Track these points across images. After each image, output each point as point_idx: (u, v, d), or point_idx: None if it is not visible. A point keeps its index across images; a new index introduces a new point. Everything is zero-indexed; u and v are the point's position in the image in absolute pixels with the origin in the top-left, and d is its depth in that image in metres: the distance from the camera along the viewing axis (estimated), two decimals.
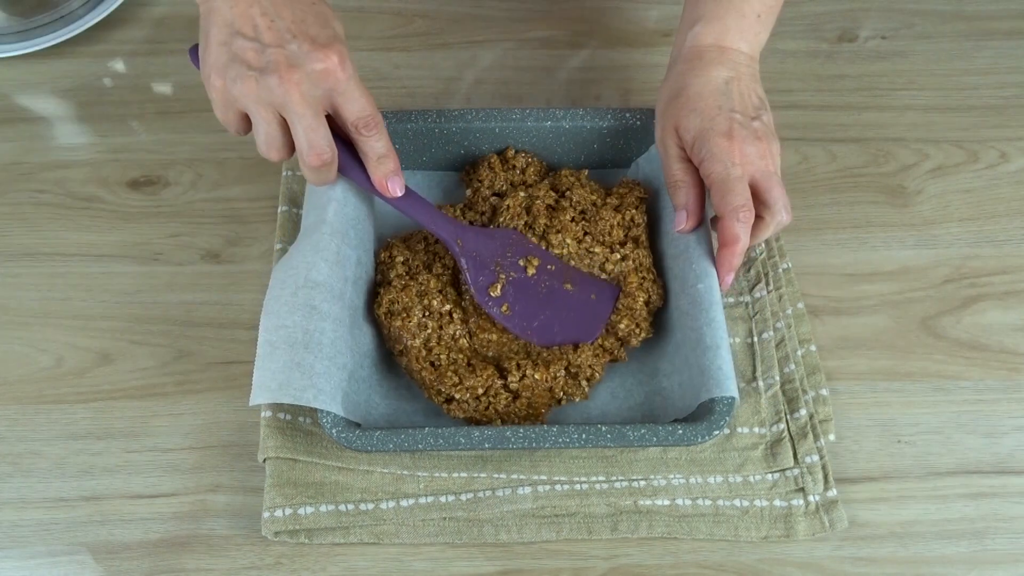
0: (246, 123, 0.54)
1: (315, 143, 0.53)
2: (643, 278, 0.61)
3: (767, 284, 0.64)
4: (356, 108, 0.54)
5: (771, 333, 0.62)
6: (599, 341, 0.60)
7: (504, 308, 0.59)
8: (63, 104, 0.75)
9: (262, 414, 0.57)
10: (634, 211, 0.63)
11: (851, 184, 0.72)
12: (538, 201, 0.63)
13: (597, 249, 0.62)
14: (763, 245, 0.66)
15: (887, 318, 0.65)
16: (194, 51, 0.56)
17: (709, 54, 0.60)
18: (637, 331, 0.60)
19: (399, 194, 0.58)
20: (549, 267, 0.61)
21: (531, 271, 0.61)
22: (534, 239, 0.62)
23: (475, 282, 0.59)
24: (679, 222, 0.59)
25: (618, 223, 0.62)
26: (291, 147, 0.54)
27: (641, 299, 0.60)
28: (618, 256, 0.62)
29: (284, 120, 0.53)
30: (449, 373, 0.57)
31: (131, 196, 0.69)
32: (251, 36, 0.51)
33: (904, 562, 0.56)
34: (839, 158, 0.73)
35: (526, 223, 0.62)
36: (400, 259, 0.61)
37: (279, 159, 0.55)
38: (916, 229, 0.69)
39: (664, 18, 0.82)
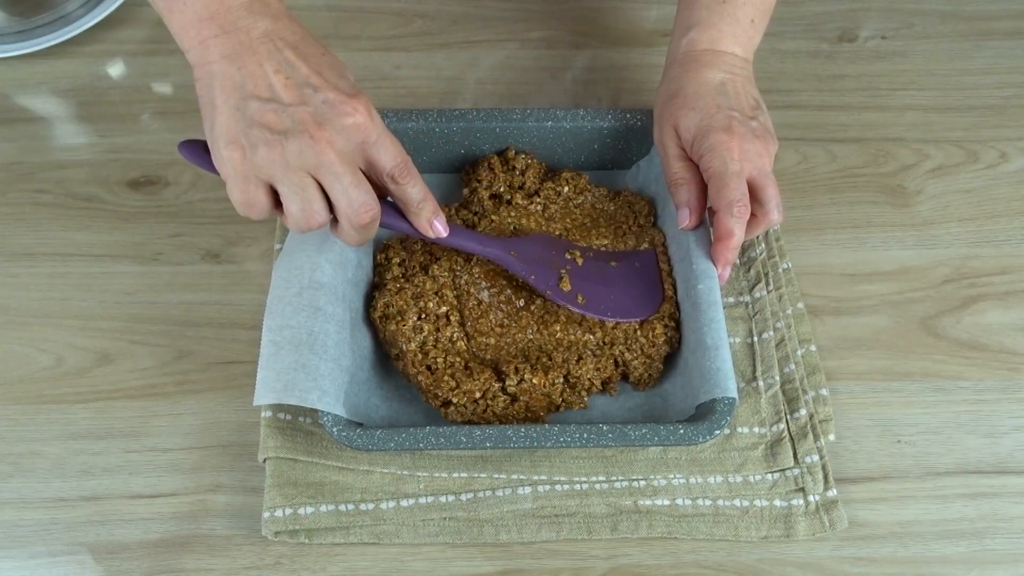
0: (272, 197, 0.50)
1: (362, 200, 0.49)
2: (667, 326, 0.59)
3: (767, 284, 0.64)
4: (389, 157, 0.50)
5: (771, 333, 0.62)
6: (604, 362, 0.59)
7: (580, 299, 0.59)
8: (63, 104, 0.75)
9: (262, 414, 0.57)
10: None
11: (851, 184, 0.71)
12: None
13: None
14: (763, 245, 0.66)
15: (887, 318, 0.65)
16: (187, 147, 0.52)
17: (704, 57, 0.61)
18: (647, 379, 0.59)
19: (444, 234, 0.56)
20: (589, 254, 0.62)
21: (580, 261, 0.61)
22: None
23: (547, 284, 0.59)
24: (682, 219, 0.59)
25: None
26: (331, 211, 0.51)
27: (664, 350, 0.59)
28: None
29: (319, 183, 0.49)
30: (446, 377, 0.56)
31: (131, 196, 0.69)
32: (267, 97, 0.47)
33: (904, 562, 0.56)
34: (839, 158, 0.73)
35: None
36: (396, 260, 0.61)
37: (320, 226, 0.50)
38: (916, 229, 0.69)
39: (663, 18, 0.82)
